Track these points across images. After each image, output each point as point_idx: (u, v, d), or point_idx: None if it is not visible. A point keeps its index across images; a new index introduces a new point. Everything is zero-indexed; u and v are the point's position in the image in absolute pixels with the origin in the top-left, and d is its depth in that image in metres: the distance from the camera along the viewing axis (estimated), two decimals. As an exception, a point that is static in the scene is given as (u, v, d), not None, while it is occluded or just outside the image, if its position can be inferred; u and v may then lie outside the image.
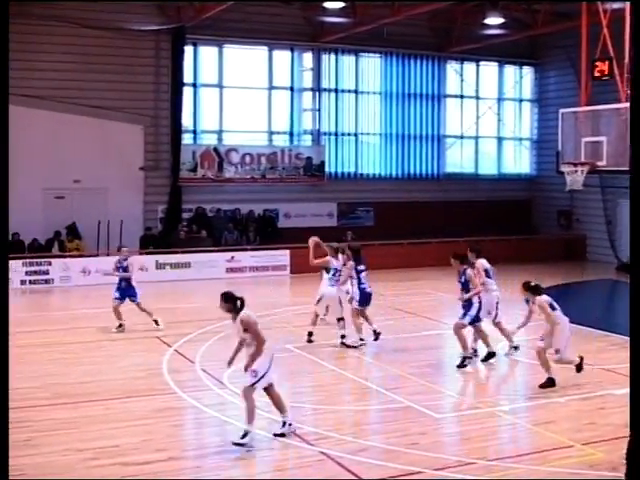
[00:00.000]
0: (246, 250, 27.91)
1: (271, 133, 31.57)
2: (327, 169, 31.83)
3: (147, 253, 27.07)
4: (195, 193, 29.67)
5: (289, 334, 16.71)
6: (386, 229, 30.88)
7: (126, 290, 17.40)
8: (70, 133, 27.75)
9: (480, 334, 14.54)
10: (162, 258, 26.77)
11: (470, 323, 14.18)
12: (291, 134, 31.84)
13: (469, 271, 14.12)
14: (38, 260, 26.02)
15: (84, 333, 17.30)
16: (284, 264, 27.78)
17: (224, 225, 29.43)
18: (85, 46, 27.62)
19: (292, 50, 31.46)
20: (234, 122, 30.86)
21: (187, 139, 30.10)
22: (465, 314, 14.08)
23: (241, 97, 30.75)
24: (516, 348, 14.85)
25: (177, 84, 29.13)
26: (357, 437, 10.23)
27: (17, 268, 25.40)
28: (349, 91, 32.53)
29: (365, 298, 15.79)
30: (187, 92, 29.73)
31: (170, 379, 12.58)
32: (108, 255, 26.05)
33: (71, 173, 27.92)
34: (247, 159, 30.56)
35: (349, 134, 32.70)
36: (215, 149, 30.18)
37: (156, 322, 17.24)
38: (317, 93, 31.90)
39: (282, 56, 31.48)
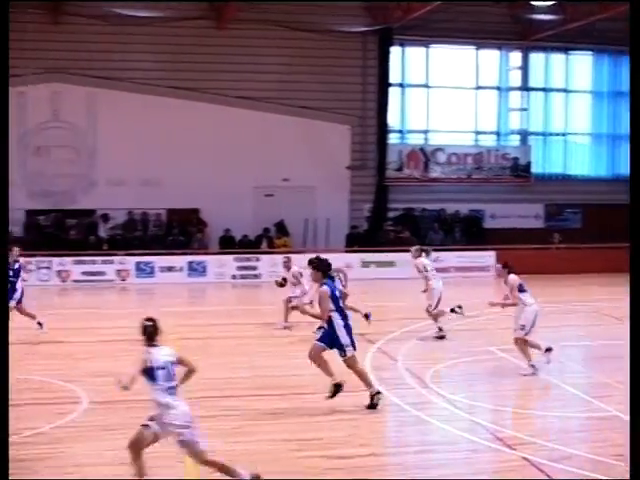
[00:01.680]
0: (451, 250, 27.77)
1: (477, 133, 31.30)
2: (534, 169, 31.14)
3: (352, 251, 27.51)
4: (400, 192, 29.85)
5: (492, 336, 16.50)
6: (594, 232, 29.80)
7: None
8: (279, 133, 28.65)
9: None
10: (367, 256, 27.12)
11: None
12: (498, 134, 31.42)
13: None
14: (248, 256, 27.04)
15: (291, 328, 17.78)
16: (488, 265, 27.44)
17: (429, 225, 29.44)
18: (295, 48, 28.48)
19: (500, 49, 31.02)
20: (440, 122, 30.81)
21: (393, 139, 30.34)
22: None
23: (448, 97, 30.64)
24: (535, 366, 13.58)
25: (384, 84, 29.43)
26: (560, 444, 9.97)
27: (229, 263, 26.54)
28: (558, 90, 31.67)
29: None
30: (394, 92, 29.98)
31: (374, 377, 12.74)
32: (315, 252, 26.67)
33: (280, 172, 28.82)
34: (453, 159, 30.44)
35: (557, 134, 31.83)
36: (421, 149, 30.26)
37: None
38: (525, 92, 31.28)
39: (489, 55, 31.13)
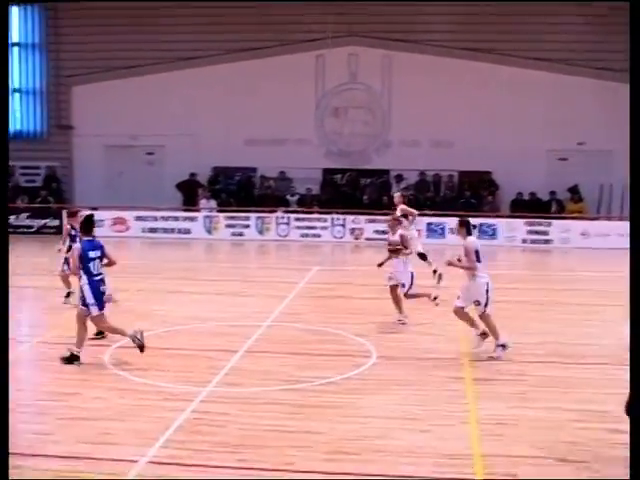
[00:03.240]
0: None
1: None
2: None
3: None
4: None
5: None
6: None
7: None
8: (575, 95, 27.75)
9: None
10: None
11: None
12: None
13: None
14: (538, 220, 26.59)
15: (582, 295, 17.38)
16: None
17: None
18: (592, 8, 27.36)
19: None
20: None
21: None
22: None
23: None
24: (504, 347, 12.04)
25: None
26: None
27: (519, 227, 26.27)
28: None
29: None
30: None
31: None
32: (609, 219, 25.76)
33: (575, 135, 27.94)
34: None
35: None
36: None
37: None
38: None
39: None
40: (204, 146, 28.55)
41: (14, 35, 29.64)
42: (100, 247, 11.81)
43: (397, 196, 19.28)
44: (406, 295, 14.33)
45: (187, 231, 27.36)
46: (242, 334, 13.52)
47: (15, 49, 29.80)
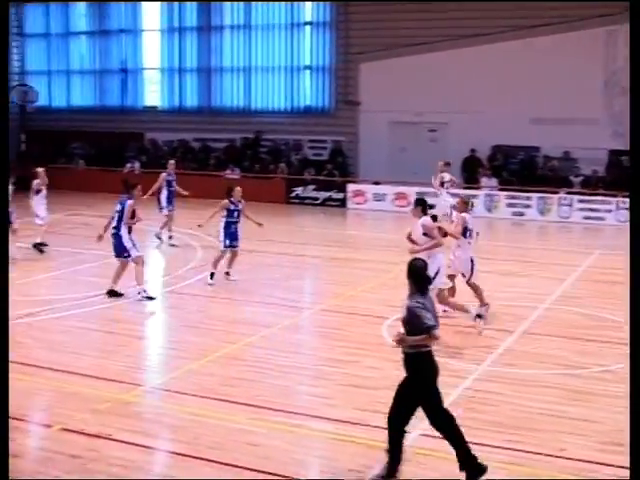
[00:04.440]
0: None
1: None
2: None
3: None
4: None
5: None
6: None
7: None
8: None
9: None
10: None
11: None
12: None
13: None
14: None
15: None
16: None
17: None
18: None
19: None
20: None
21: None
22: None
23: None
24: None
25: None
26: None
27: None
28: None
29: None
30: None
31: None
32: None
33: None
34: None
35: None
36: None
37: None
38: None
39: None
40: (486, 124, 28.29)
41: (307, 14, 30.96)
42: None
43: (440, 164, 21.49)
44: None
45: (467, 209, 27.34)
46: (518, 315, 13.40)
47: (307, 28, 31.09)
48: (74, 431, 8.45)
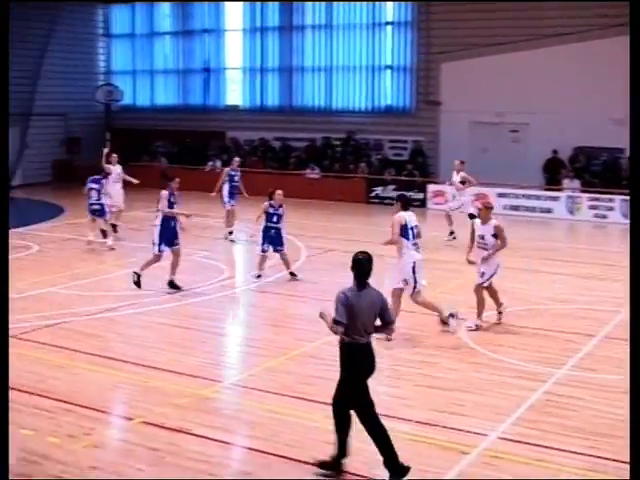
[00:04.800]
0: None
1: None
2: None
3: None
4: None
5: None
6: None
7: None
8: None
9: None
10: None
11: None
12: None
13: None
14: None
15: None
16: None
17: None
18: None
19: None
20: None
21: None
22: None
23: None
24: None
25: None
26: None
27: None
28: None
29: None
30: None
31: None
32: None
33: None
34: None
35: None
36: None
37: None
38: None
39: None
40: (568, 125, 27.82)
41: (388, 14, 30.90)
42: None
43: (457, 163, 21.20)
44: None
45: (549, 210, 26.91)
46: (599, 319, 13.18)
47: (388, 27, 31.02)
48: (154, 424, 8.64)
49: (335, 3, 31.40)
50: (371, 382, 8.97)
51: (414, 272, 11.90)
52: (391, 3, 30.84)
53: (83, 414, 8.93)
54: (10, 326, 12.25)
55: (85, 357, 10.99)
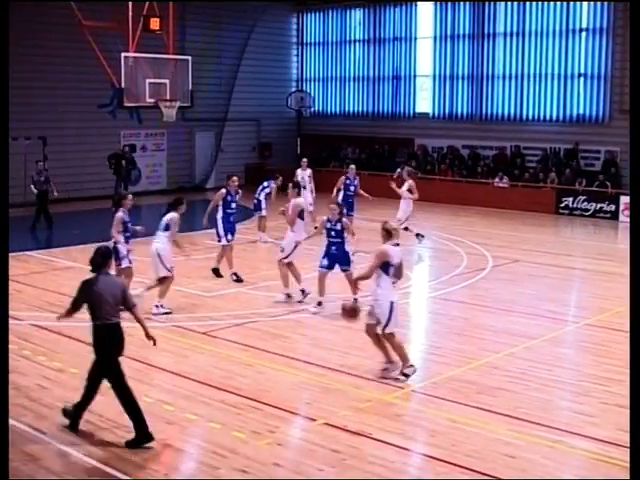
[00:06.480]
0: None
1: None
2: None
3: None
4: None
5: None
6: None
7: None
8: None
9: None
10: None
11: None
12: None
13: None
14: None
15: None
16: None
17: None
18: None
19: None
20: None
21: None
22: None
23: None
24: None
25: None
26: None
27: None
28: None
29: None
30: None
31: None
32: None
33: None
34: None
35: None
36: None
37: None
38: None
39: None
40: None
41: (583, 20, 29.97)
42: None
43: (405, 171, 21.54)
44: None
45: None
46: None
47: (582, 34, 30.10)
48: (336, 427, 8.81)
49: (528, 10, 30.79)
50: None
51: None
52: (586, 8, 29.92)
53: (269, 412, 9.22)
54: (201, 324, 12.95)
55: (271, 357, 11.35)
